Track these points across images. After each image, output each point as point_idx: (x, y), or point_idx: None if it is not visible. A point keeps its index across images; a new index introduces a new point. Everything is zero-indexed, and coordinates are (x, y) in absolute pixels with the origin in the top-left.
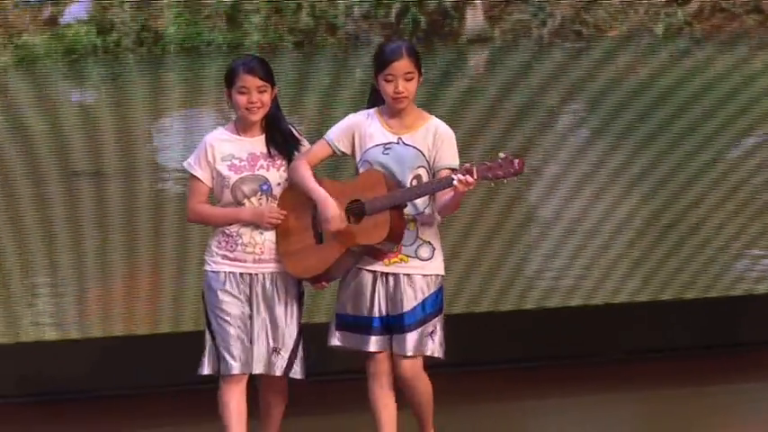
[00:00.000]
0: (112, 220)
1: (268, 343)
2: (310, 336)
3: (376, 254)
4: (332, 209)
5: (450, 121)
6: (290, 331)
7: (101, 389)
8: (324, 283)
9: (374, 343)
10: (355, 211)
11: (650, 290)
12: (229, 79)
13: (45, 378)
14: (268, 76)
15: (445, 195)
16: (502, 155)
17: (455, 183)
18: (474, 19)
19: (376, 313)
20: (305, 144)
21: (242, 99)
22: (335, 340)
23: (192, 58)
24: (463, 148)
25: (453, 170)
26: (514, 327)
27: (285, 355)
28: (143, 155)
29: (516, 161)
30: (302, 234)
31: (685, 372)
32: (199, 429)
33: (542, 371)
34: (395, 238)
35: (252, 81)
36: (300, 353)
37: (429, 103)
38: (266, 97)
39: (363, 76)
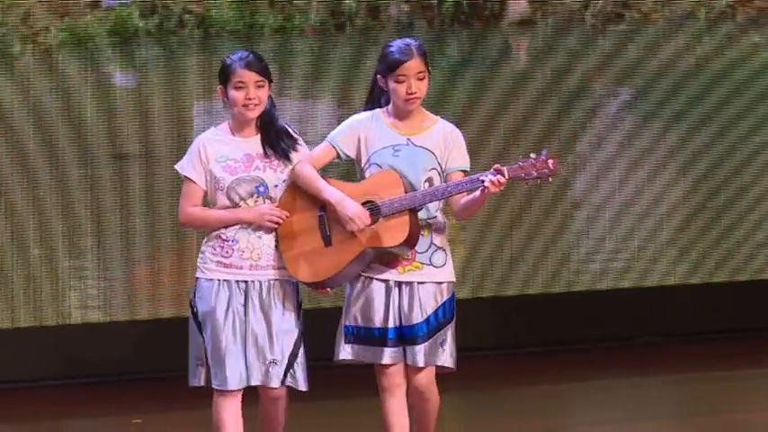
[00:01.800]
0: (157, 202)
1: (264, 354)
2: (316, 322)
3: (389, 259)
4: (352, 206)
5: (492, 105)
6: (287, 341)
7: (146, 371)
8: (328, 288)
9: (389, 355)
10: (369, 212)
11: (698, 273)
12: (225, 75)
13: (90, 360)
14: (265, 72)
15: (463, 197)
16: (533, 155)
17: (486, 183)
18: (516, 2)
19: (390, 324)
20: (301, 143)
21: (239, 95)
22: (345, 354)
23: (235, 41)
24: (504, 134)
25: (465, 172)
26: (557, 310)
27: (282, 366)
28: (187, 137)
29: (551, 161)
30: (308, 236)
31: (730, 354)
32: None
33: (580, 353)
34: (412, 241)
35: (249, 76)
36: (301, 362)
37: (471, 88)
38: (263, 93)
39: None
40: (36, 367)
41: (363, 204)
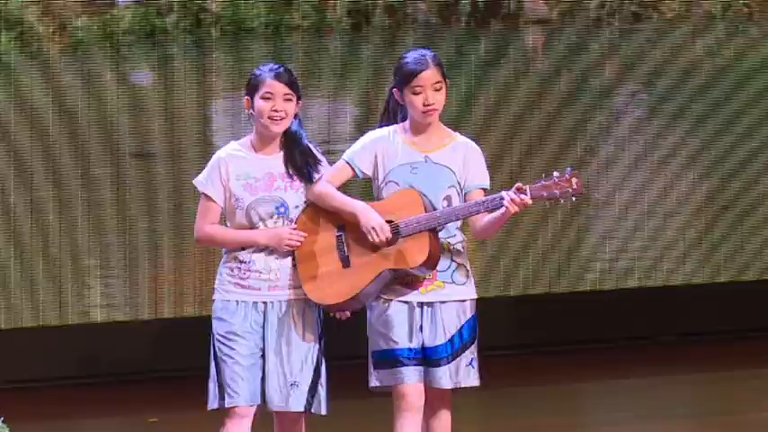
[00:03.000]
0: (165, 201)
1: (285, 376)
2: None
3: (409, 280)
4: (377, 218)
5: (506, 101)
6: (308, 363)
7: (160, 370)
8: (347, 312)
9: (407, 375)
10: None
11: (706, 272)
12: (252, 85)
13: (103, 359)
14: (294, 86)
15: (484, 217)
16: (557, 173)
17: (505, 203)
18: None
19: (410, 344)
20: (323, 165)
21: (266, 106)
22: (375, 381)
23: (250, 38)
24: (517, 131)
25: (484, 190)
26: (572, 310)
27: (304, 388)
28: (196, 136)
29: (575, 180)
30: (326, 257)
31: (745, 354)
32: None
33: (595, 353)
34: (432, 262)
35: (278, 87)
36: (322, 385)
37: (487, 86)
38: (291, 107)
39: None
40: (49, 366)
41: None
